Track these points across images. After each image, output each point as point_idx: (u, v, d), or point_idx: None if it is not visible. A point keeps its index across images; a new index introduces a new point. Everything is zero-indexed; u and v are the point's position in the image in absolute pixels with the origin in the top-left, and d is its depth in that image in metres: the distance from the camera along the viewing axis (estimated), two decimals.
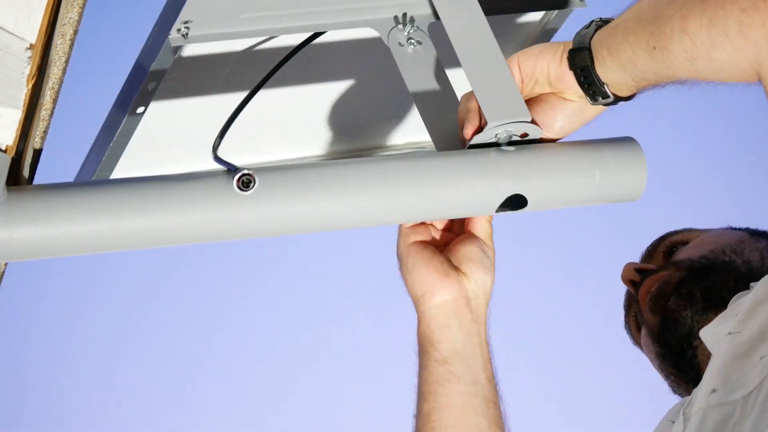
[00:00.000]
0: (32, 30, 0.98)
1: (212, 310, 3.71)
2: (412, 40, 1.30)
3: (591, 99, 1.18)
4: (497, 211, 1.21)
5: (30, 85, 1.00)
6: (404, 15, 1.31)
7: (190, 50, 1.33)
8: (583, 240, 3.57)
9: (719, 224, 1.59)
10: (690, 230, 1.58)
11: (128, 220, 1.09)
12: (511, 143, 1.22)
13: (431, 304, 1.26)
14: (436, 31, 1.30)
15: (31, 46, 0.99)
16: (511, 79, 1.22)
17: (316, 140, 1.61)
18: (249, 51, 1.39)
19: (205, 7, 1.22)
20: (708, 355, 1.32)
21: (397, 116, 1.63)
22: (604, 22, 1.17)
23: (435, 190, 1.19)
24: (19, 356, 3.65)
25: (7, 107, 0.99)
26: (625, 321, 1.58)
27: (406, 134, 1.65)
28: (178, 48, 1.25)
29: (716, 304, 1.42)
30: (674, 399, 1.50)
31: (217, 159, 1.18)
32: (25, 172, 1.10)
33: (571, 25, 1.47)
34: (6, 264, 1.25)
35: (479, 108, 1.20)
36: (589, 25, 1.18)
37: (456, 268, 1.27)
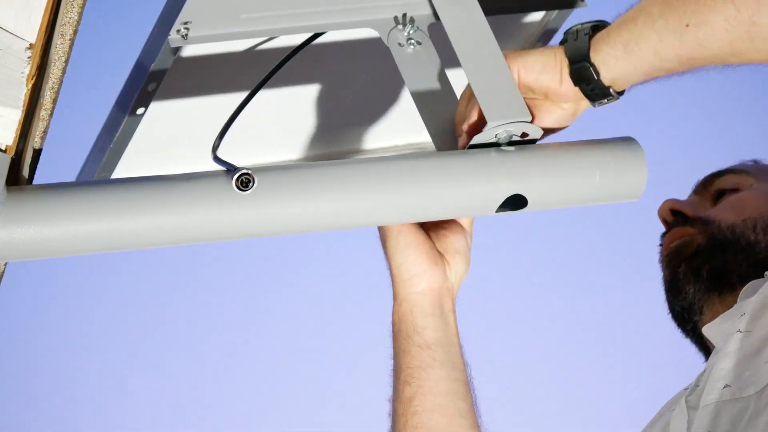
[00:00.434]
0: (32, 30, 0.98)
1: (212, 310, 3.71)
2: (412, 41, 1.30)
3: (595, 103, 1.19)
4: (497, 211, 1.21)
5: (30, 85, 1.00)
6: (404, 15, 1.31)
7: (191, 50, 1.33)
8: (583, 240, 3.57)
9: None
10: (746, 174, 1.55)
11: (128, 220, 1.09)
12: (511, 143, 1.22)
13: (417, 290, 1.27)
14: (436, 31, 1.30)
15: (31, 46, 0.99)
16: (511, 79, 1.22)
17: (316, 141, 1.61)
18: (250, 51, 1.39)
19: (204, 8, 1.22)
20: None
21: (397, 116, 1.63)
22: (593, 29, 1.16)
23: (435, 190, 1.19)
24: (19, 356, 3.65)
25: (6, 107, 0.99)
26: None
27: (407, 134, 1.65)
28: (177, 48, 1.25)
29: (720, 286, 1.43)
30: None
31: (217, 159, 1.18)
32: (25, 172, 1.10)
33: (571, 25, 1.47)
34: (6, 264, 1.25)
35: (477, 107, 1.20)
36: (577, 36, 1.16)
37: (442, 256, 1.28)
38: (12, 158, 1.04)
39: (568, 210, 1.27)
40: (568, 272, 3.62)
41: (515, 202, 1.21)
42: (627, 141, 1.26)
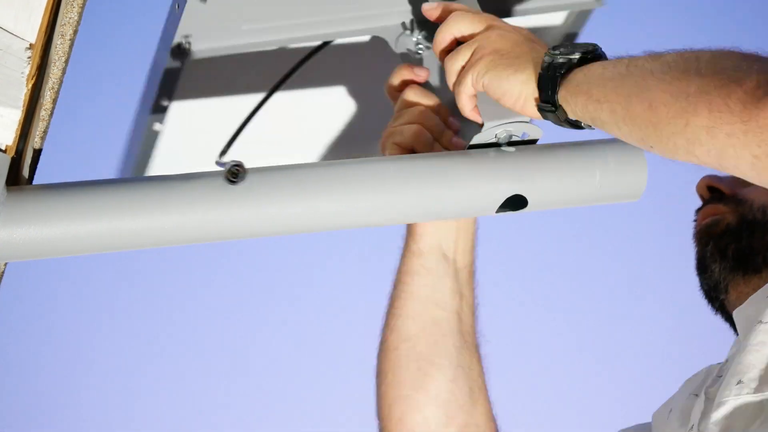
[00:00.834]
0: (32, 30, 0.98)
1: (213, 310, 3.71)
2: (420, 46, 1.30)
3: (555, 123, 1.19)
4: (497, 212, 1.21)
5: (30, 85, 1.00)
6: (411, 21, 1.31)
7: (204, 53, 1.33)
8: (583, 240, 3.57)
9: None
10: None
11: (127, 220, 1.09)
12: (511, 143, 1.22)
13: None
14: None
15: (31, 46, 0.98)
16: None
17: (320, 146, 1.60)
18: (263, 51, 1.38)
19: (204, 20, 1.22)
20: (734, 308, 1.37)
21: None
22: (567, 68, 1.13)
23: (435, 190, 1.19)
24: (19, 356, 3.65)
25: (7, 107, 0.99)
26: None
27: None
28: (182, 63, 1.25)
29: (745, 266, 1.43)
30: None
31: (218, 163, 1.18)
32: (25, 172, 1.10)
33: (592, 27, 1.48)
34: (6, 264, 1.25)
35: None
36: (551, 70, 1.13)
37: None
38: (12, 158, 1.04)
39: (568, 210, 1.27)
40: (567, 272, 3.62)
41: (515, 203, 1.21)
42: None
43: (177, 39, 1.21)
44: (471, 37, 1.21)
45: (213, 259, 3.55)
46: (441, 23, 1.23)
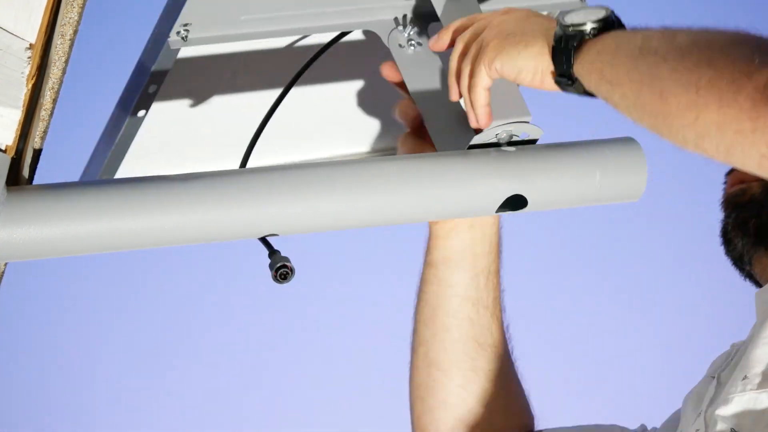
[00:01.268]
0: (32, 30, 0.98)
1: (213, 311, 3.70)
2: (413, 42, 1.30)
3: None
4: (497, 212, 1.21)
5: (30, 85, 1.00)
6: (404, 16, 1.31)
7: (193, 51, 1.33)
8: (583, 240, 3.57)
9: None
10: None
11: (128, 220, 1.09)
12: (511, 143, 1.22)
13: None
14: (437, 32, 1.29)
15: (31, 46, 0.98)
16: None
17: (328, 142, 1.60)
18: (253, 51, 1.38)
19: (204, 10, 1.22)
20: (761, 280, 1.38)
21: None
22: (580, 40, 1.11)
23: (435, 190, 1.19)
24: (19, 356, 3.65)
25: (7, 107, 0.99)
26: None
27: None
28: (178, 50, 1.25)
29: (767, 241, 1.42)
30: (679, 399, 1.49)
31: (263, 241, 1.19)
32: (25, 172, 1.10)
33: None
34: (6, 264, 1.25)
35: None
36: (564, 43, 1.12)
37: None
38: (12, 158, 1.04)
39: (568, 210, 1.27)
40: (567, 273, 3.62)
41: (515, 203, 1.21)
42: (627, 141, 1.26)
43: (176, 27, 1.21)
44: (471, 28, 1.21)
45: (213, 259, 3.55)
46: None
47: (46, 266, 3.50)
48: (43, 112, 1.08)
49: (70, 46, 1.05)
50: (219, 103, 1.45)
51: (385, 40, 1.30)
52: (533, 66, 1.14)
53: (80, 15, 1.04)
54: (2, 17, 0.96)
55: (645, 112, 1.02)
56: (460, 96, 1.21)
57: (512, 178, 1.20)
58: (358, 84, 1.52)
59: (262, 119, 1.36)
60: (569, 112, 2.16)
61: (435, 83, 1.28)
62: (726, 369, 1.27)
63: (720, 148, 0.94)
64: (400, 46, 1.30)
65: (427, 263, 1.39)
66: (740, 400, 1.19)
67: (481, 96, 1.19)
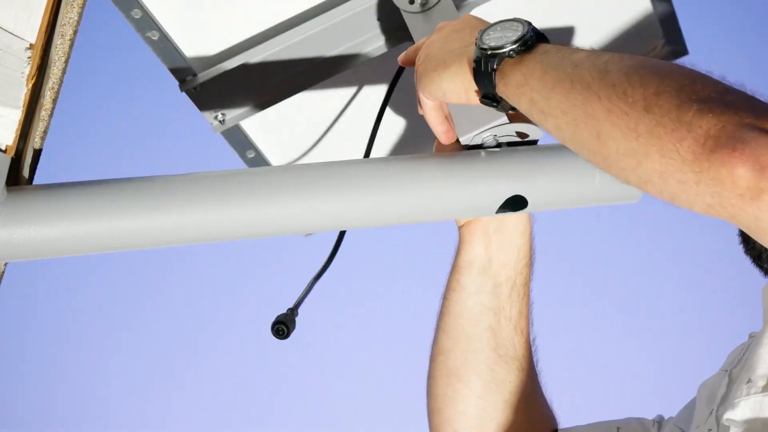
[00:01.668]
0: (32, 30, 0.98)
1: (213, 311, 3.70)
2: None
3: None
4: (498, 212, 1.21)
5: (30, 85, 1.00)
6: None
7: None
8: (583, 240, 3.57)
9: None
10: None
11: (127, 220, 1.09)
12: (511, 144, 1.22)
13: (459, 225, 1.36)
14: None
15: (31, 46, 0.99)
16: None
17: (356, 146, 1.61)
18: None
19: (227, 96, 1.29)
20: None
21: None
22: (497, 59, 1.10)
23: (435, 191, 1.19)
24: (19, 356, 3.65)
25: (7, 107, 0.99)
26: None
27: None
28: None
29: None
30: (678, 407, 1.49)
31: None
32: (25, 172, 1.10)
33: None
34: (6, 264, 1.25)
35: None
36: (483, 65, 1.11)
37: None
38: (12, 158, 1.04)
39: (568, 211, 1.27)
40: (567, 273, 3.62)
41: (515, 203, 1.21)
42: None
43: (209, 119, 1.28)
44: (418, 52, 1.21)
45: (214, 259, 3.55)
46: None
47: (46, 266, 3.50)
48: (43, 112, 1.08)
49: (70, 46, 1.05)
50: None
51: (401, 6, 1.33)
52: (456, 87, 1.13)
53: (80, 15, 1.04)
54: (2, 17, 0.96)
55: (583, 149, 1.00)
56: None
57: (512, 179, 1.20)
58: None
59: (377, 116, 1.39)
60: None
61: None
62: (737, 365, 1.27)
63: (665, 194, 0.94)
64: (410, 2, 1.33)
65: (452, 268, 1.37)
66: (746, 405, 1.19)
67: (431, 117, 1.20)
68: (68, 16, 1.03)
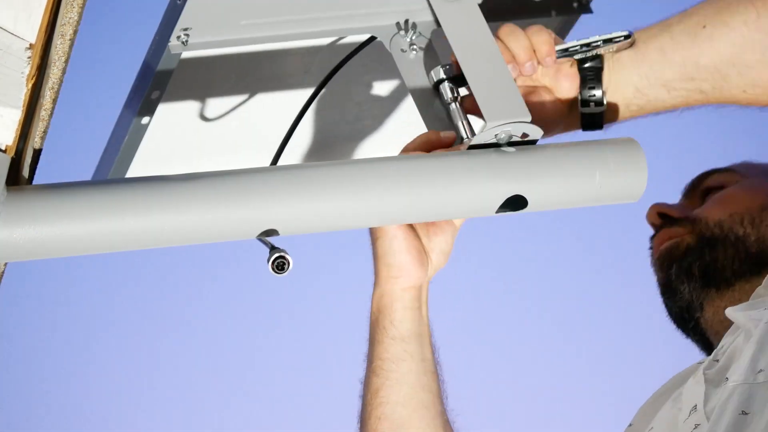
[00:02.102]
0: (32, 30, 0.98)
1: (213, 311, 3.71)
2: (414, 47, 1.30)
3: (582, 103, 1.22)
4: (497, 212, 1.21)
5: (30, 85, 1.00)
6: (406, 21, 1.31)
7: (200, 52, 1.33)
8: (583, 240, 3.57)
9: None
10: (733, 171, 1.55)
11: (128, 220, 1.09)
12: (511, 144, 1.22)
13: (402, 287, 1.30)
14: (439, 38, 1.30)
15: (31, 46, 0.98)
16: (511, 79, 1.22)
17: (314, 149, 1.60)
18: (255, 50, 1.38)
19: (204, 14, 1.22)
20: (711, 324, 1.40)
21: (398, 127, 1.62)
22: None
23: (435, 190, 1.19)
24: (19, 356, 3.65)
25: (7, 107, 0.99)
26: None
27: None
28: (179, 55, 1.25)
29: (716, 281, 1.44)
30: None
31: (260, 239, 1.20)
32: (25, 172, 1.10)
33: (579, 32, 1.48)
34: (6, 264, 1.25)
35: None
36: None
37: (427, 254, 1.30)
38: (12, 158, 1.04)
39: (568, 211, 1.27)
40: (567, 273, 3.62)
41: (515, 203, 1.21)
42: (627, 141, 1.26)
43: (176, 32, 1.21)
44: None
45: (214, 259, 3.55)
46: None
47: (46, 266, 3.50)
48: (43, 112, 1.08)
49: (70, 46, 1.05)
50: (226, 105, 1.45)
51: (387, 45, 1.30)
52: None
53: (80, 15, 1.03)
54: (2, 17, 0.96)
55: None
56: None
57: (512, 178, 1.20)
58: (369, 85, 1.52)
59: (293, 121, 1.36)
60: None
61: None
62: (712, 369, 1.28)
63: None
64: (402, 50, 1.30)
65: (392, 338, 1.32)
66: (752, 387, 1.20)
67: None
68: (68, 16, 1.03)
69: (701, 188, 1.56)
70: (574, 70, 1.27)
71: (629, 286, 3.49)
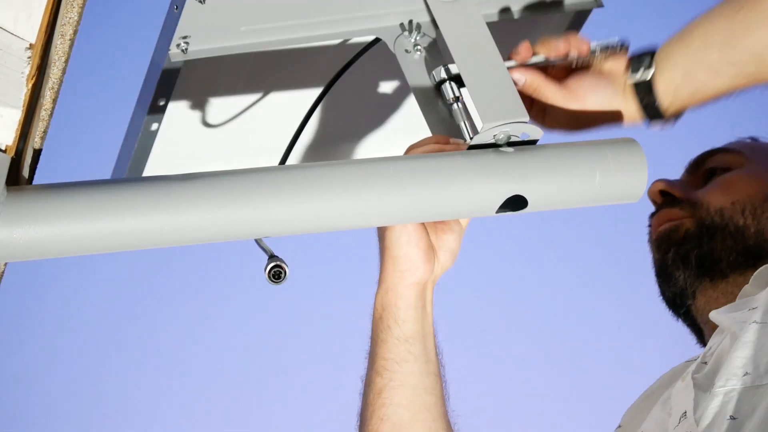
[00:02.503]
0: (32, 30, 0.98)
1: (213, 311, 3.71)
2: (419, 47, 1.30)
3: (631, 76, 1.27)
4: (497, 212, 1.21)
5: (30, 85, 1.00)
6: (410, 22, 1.31)
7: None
8: (583, 240, 3.57)
9: None
10: (739, 153, 1.54)
11: (128, 220, 1.09)
12: (511, 144, 1.22)
13: (408, 282, 1.29)
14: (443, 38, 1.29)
15: (31, 46, 0.98)
16: (509, 79, 1.22)
17: (315, 149, 1.60)
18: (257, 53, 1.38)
19: (202, 22, 1.21)
20: (702, 313, 1.40)
21: (399, 127, 1.62)
22: None
23: (435, 190, 1.18)
24: (19, 356, 3.65)
25: (7, 107, 0.99)
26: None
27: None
28: (180, 62, 1.24)
29: (711, 272, 1.43)
30: None
31: (258, 242, 1.20)
32: (25, 172, 1.10)
33: (590, 29, 1.48)
34: (6, 264, 1.25)
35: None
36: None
37: (435, 251, 1.29)
38: (12, 158, 1.04)
39: (568, 211, 1.27)
40: (567, 273, 3.62)
41: (515, 203, 1.21)
42: (627, 141, 1.26)
43: (175, 40, 1.21)
44: None
45: (214, 259, 3.55)
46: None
47: (46, 266, 3.50)
48: (43, 112, 1.08)
49: (70, 46, 1.05)
50: (217, 102, 1.45)
51: (391, 46, 1.30)
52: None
53: (80, 15, 1.03)
54: (2, 17, 0.96)
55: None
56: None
57: (512, 179, 1.20)
58: (345, 89, 1.52)
59: (300, 122, 1.36)
60: None
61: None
62: (701, 372, 1.28)
63: None
64: (406, 51, 1.30)
65: (397, 339, 1.30)
66: (741, 392, 1.20)
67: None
68: (68, 16, 1.03)
69: (705, 167, 1.55)
70: (623, 56, 1.30)
71: (629, 288, 3.49)
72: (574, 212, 1.29)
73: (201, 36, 1.22)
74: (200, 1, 1.18)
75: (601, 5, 1.44)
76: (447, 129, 1.27)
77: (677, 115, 1.29)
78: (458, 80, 1.26)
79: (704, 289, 1.44)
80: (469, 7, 1.27)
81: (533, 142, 1.23)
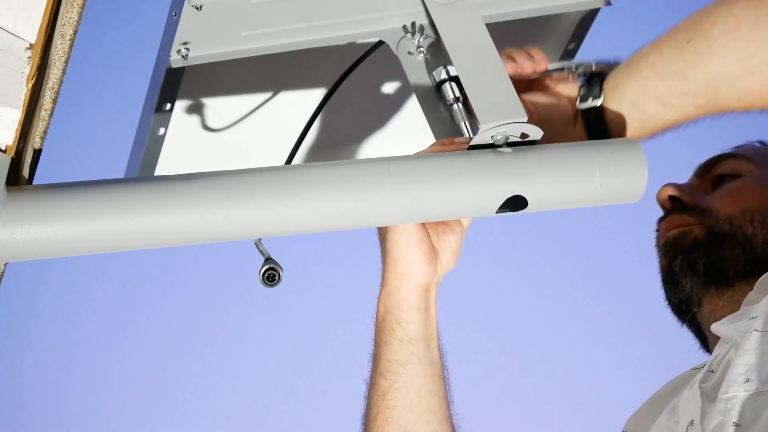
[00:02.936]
0: (32, 30, 0.98)
1: (213, 311, 3.71)
2: (422, 49, 1.30)
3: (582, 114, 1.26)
4: (497, 212, 1.21)
5: (30, 85, 1.00)
6: (413, 24, 1.31)
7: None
8: (583, 240, 3.57)
9: None
10: (748, 159, 1.54)
11: (128, 220, 1.09)
12: (510, 144, 1.22)
13: (410, 285, 1.29)
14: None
15: (31, 46, 0.99)
16: (508, 80, 1.22)
17: (317, 150, 1.60)
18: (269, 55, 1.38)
19: (202, 27, 1.21)
20: (708, 321, 1.39)
21: (400, 127, 1.62)
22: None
23: (435, 191, 1.18)
24: (19, 356, 3.65)
25: (7, 107, 0.99)
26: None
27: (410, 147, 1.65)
28: (182, 68, 1.24)
29: (718, 280, 1.43)
30: None
31: (257, 245, 1.20)
32: (25, 172, 1.10)
33: (599, 28, 1.48)
34: (6, 264, 1.25)
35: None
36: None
37: (436, 253, 1.29)
38: (12, 158, 1.04)
39: (568, 211, 1.27)
40: (566, 273, 3.62)
41: (515, 203, 1.21)
42: (627, 141, 1.26)
43: (175, 46, 1.21)
44: None
45: (214, 259, 3.55)
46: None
47: (46, 266, 3.50)
48: (43, 112, 1.08)
49: (70, 46, 1.05)
50: (221, 104, 1.45)
51: (394, 49, 1.30)
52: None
53: (80, 15, 1.04)
54: (2, 17, 0.96)
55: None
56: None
57: (512, 179, 1.20)
58: (348, 91, 1.52)
59: (306, 124, 1.36)
60: None
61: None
62: (708, 382, 1.28)
63: None
64: (409, 53, 1.30)
65: (400, 340, 1.30)
66: (742, 398, 1.20)
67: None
68: (68, 16, 1.03)
69: (714, 173, 1.54)
70: (575, 82, 1.29)
71: (629, 288, 3.49)
72: (575, 212, 1.29)
73: (201, 42, 1.22)
74: (197, 8, 1.18)
75: (608, 3, 1.43)
76: (448, 130, 1.27)
77: None
78: (459, 81, 1.26)
79: (710, 298, 1.44)
80: (468, 9, 1.27)
81: (533, 142, 1.23)
